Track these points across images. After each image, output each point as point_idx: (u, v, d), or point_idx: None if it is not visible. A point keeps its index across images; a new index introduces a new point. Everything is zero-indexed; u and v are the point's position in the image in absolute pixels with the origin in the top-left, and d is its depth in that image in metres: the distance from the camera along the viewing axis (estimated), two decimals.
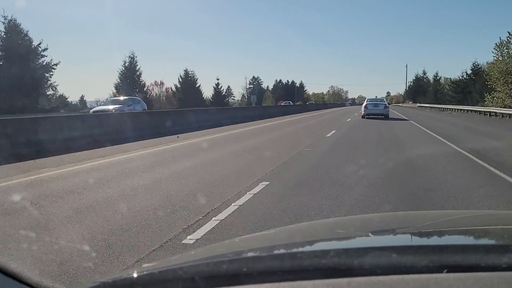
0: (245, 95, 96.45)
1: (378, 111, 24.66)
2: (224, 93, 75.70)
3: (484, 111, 32.67)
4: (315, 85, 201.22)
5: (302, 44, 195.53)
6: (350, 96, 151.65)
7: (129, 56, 52.94)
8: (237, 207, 4.33)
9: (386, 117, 24.13)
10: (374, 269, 0.76)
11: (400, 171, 6.61)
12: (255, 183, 5.52)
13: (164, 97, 64.16)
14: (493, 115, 30.28)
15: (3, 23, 35.10)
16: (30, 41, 36.42)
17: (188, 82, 62.91)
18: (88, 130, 11.24)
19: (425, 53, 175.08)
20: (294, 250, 1.05)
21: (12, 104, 29.94)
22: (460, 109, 41.06)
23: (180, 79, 63.81)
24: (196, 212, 4.10)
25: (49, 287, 1.15)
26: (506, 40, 35.98)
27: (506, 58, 36.07)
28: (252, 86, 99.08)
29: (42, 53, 37.04)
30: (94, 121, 12.44)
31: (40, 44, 36.85)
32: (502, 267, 0.76)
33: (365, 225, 1.44)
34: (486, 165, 7.15)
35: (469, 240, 1.14)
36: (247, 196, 4.82)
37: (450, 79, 77.35)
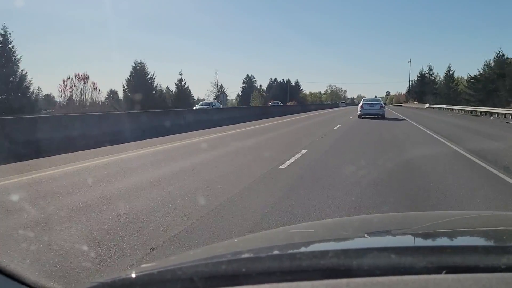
0: (239, 94, 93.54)
1: (374, 111, 24.86)
2: (187, 90, 65.46)
3: None
4: (313, 84, 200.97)
5: (299, 42, 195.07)
6: (349, 95, 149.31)
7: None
8: None
9: (382, 117, 24.31)
10: (373, 270, 0.76)
11: None
12: None
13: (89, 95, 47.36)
14: None
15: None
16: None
17: (139, 77, 54.03)
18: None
19: (426, 52, 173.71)
20: (293, 250, 1.05)
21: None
22: (491, 113, 30.58)
23: (131, 76, 54.49)
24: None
25: (47, 287, 1.14)
26: None
27: None
28: (245, 85, 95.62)
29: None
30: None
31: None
32: (501, 268, 0.76)
33: (364, 226, 1.44)
34: None
35: (468, 241, 1.14)
36: None
37: (468, 74, 61.65)
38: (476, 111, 34.61)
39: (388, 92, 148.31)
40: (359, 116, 24.82)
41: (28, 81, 40.83)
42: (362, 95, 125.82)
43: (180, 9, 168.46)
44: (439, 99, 61.17)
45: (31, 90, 41.75)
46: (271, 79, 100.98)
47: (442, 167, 7.02)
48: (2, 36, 39.44)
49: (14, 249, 3.14)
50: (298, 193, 5.02)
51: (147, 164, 7.55)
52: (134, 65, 56.78)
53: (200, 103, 37.40)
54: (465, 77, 63.37)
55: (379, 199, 4.71)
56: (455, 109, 41.73)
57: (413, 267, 0.77)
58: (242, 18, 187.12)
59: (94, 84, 46.78)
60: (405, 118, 25.95)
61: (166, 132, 13.97)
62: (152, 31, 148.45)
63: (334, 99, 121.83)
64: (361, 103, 26.64)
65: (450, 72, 68.77)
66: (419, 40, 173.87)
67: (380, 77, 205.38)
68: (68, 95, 45.44)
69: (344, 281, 0.74)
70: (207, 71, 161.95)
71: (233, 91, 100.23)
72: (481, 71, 57.11)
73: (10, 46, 39.91)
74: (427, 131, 14.88)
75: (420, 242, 1.17)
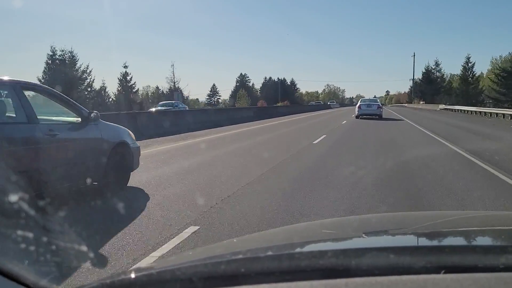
0: (231, 93, 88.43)
1: (371, 111, 25.11)
2: (132, 86, 51.67)
3: None
4: (311, 84, 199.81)
5: (297, 41, 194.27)
6: (347, 95, 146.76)
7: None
8: None
9: (379, 117, 24.52)
10: (371, 269, 0.76)
11: None
12: None
13: None
14: None
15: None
16: None
17: (60, 71, 42.24)
18: None
19: (426, 51, 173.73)
20: (292, 250, 1.05)
21: None
22: None
23: (48, 69, 42.86)
24: None
25: (46, 287, 1.14)
26: None
27: None
28: (238, 84, 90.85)
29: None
30: None
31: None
32: (499, 268, 0.76)
33: (363, 226, 1.44)
34: None
35: (467, 241, 1.14)
36: None
37: (496, 64, 49.68)
38: None
39: (387, 92, 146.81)
40: (357, 117, 25.09)
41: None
42: (361, 94, 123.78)
43: (176, 7, 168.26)
44: (455, 99, 50.77)
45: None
46: (265, 78, 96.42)
47: None
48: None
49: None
50: None
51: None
52: (52, 53, 43.56)
53: (160, 103, 30.38)
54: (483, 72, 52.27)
55: None
56: (491, 113, 28.81)
57: (412, 267, 0.77)
58: (238, 17, 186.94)
59: None
60: (440, 139, 12.56)
61: None
62: (143, 29, 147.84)
63: (331, 99, 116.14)
64: (358, 104, 26.95)
65: (469, 65, 53.70)
66: (419, 39, 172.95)
67: (379, 75, 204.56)
68: None
69: (343, 281, 0.74)
70: (200, 69, 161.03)
71: (231, 90, 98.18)
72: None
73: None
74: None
75: (419, 242, 1.17)
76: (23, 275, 1.01)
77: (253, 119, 25.23)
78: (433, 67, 64.88)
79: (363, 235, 1.27)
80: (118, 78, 49.95)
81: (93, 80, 48.36)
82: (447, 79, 65.28)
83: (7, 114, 4.16)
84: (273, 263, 0.86)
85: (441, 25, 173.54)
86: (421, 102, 59.18)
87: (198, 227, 3.80)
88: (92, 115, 4.93)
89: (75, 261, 2.91)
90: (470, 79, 53.41)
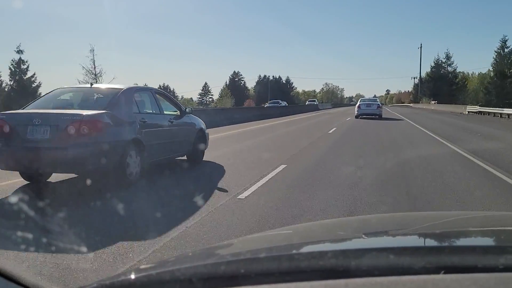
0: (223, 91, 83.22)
1: (371, 111, 25.41)
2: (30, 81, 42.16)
3: None
4: (309, 83, 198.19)
5: (294, 39, 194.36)
6: (346, 94, 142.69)
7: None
8: None
9: (379, 117, 24.75)
10: (371, 270, 0.76)
11: None
12: None
13: None
14: None
15: None
16: None
17: None
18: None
19: (426, 51, 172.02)
20: (292, 251, 1.05)
21: None
22: None
23: None
24: None
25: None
26: None
27: None
28: (229, 82, 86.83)
29: None
30: None
31: None
32: (499, 268, 0.76)
33: (362, 226, 1.44)
34: None
35: (466, 241, 1.15)
36: None
37: None
38: None
39: (388, 91, 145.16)
40: (356, 116, 25.32)
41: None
42: (361, 94, 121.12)
43: (173, 6, 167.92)
44: (483, 98, 39.17)
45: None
46: (259, 76, 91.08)
47: None
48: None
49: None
50: None
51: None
52: None
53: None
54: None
55: None
56: None
57: (412, 267, 0.77)
58: (235, 15, 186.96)
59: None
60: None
61: None
62: (143, 29, 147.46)
63: (330, 98, 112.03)
64: (358, 103, 27.29)
65: (505, 50, 37.06)
66: (421, 37, 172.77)
67: (378, 74, 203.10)
68: None
69: (342, 281, 0.74)
70: (193, 67, 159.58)
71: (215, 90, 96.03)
72: None
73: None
74: None
75: (418, 242, 1.17)
76: (21, 276, 1.01)
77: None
78: (443, 61, 53.87)
79: (363, 235, 1.27)
80: (10, 70, 42.65)
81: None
82: (460, 75, 53.63)
83: (148, 110, 6.41)
84: (273, 264, 0.86)
85: (444, 21, 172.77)
86: (433, 102, 49.00)
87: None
88: (187, 109, 7.33)
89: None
90: (507, 71, 36.99)
